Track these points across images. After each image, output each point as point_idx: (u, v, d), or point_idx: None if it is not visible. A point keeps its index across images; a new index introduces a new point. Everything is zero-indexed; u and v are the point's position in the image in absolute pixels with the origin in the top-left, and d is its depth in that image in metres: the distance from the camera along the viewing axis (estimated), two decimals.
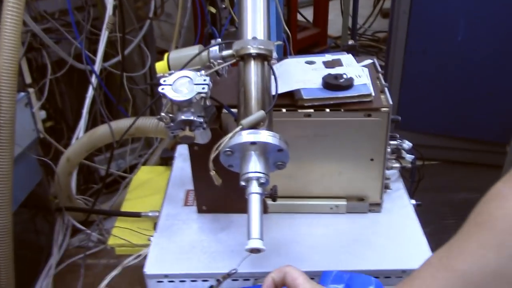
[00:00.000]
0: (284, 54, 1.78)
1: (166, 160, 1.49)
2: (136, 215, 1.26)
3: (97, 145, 1.22)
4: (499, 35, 2.37)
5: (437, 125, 2.70)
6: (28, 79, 1.95)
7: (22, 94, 1.48)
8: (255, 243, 0.77)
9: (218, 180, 0.88)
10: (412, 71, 2.61)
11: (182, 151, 1.39)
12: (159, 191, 1.28)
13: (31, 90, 1.93)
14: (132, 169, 2.18)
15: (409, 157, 1.22)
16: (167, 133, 0.94)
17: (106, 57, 2.15)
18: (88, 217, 1.46)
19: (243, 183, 0.83)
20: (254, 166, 0.82)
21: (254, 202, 0.80)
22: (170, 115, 0.91)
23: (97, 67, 1.54)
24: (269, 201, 1.15)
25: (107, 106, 2.34)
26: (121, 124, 1.12)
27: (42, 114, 2.10)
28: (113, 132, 1.12)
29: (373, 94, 1.06)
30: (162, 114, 0.90)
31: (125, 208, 1.32)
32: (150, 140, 2.44)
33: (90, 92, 1.40)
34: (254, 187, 0.81)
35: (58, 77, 2.12)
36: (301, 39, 3.33)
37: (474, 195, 2.62)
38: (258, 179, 0.81)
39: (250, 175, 0.82)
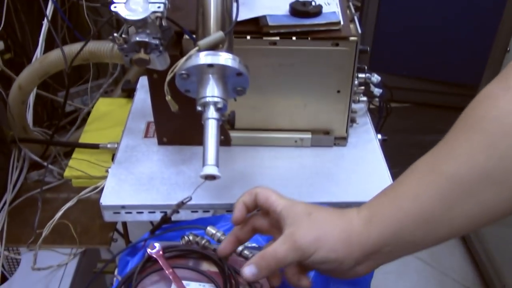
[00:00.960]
0: None
1: (128, 92, 1.43)
2: (94, 146, 1.21)
3: (49, 71, 1.15)
4: None
5: (409, 66, 2.68)
6: None
7: None
8: (209, 169, 0.74)
9: (174, 106, 0.84)
10: (387, 10, 2.55)
11: (144, 82, 1.33)
12: (119, 124, 1.23)
13: None
14: None
15: (377, 90, 1.19)
16: (122, 57, 0.88)
17: None
18: (46, 150, 1.41)
19: (199, 108, 0.78)
20: (211, 90, 0.77)
21: (211, 128, 0.76)
22: (124, 36, 0.85)
23: None
24: (231, 133, 1.12)
25: (71, 39, 2.24)
26: (74, 48, 1.05)
27: (0, 45, 1.99)
28: (65, 56, 1.05)
29: (342, 22, 1.01)
30: (115, 34, 0.84)
31: (83, 140, 1.26)
32: (117, 76, 2.36)
33: (45, 18, 1.32)
34: (211, 112, 0.77)
35: (18, 8, 2.00)
36: None
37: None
38: (215, 103, 0.77)
39: (207, 99, 0.77)
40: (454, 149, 0.62)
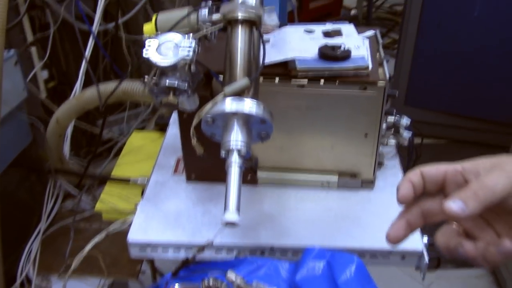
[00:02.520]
0: (290, 21, 1.72)
1: (161, 127, 1.47)
2: (125, 180, 1.24)
3: (85, 108, 1.20)
4: None
5: (446, 102, 2.64)
6: (30, 37, 1.92)
7: (12, 51, 1.44)
8: (230, 217, 0.74)
9: (200, 150, 0.85)
10: (424, 45, 2.53)
11: (176, 118, 1.36)
12: (151, 158, 1.26)
13: (32, 48, 1.91)
14: None
15: (406, 134, 1.18)
16: (152, 98, 0.91)
17: (111, 18, 2.11)
18: (81, 181, 1.45)
19: (223, 154, 0.80)
20: (235, 136, 0.79)
21: (233, 173, 0.77)
22: (155, 79, 0.88)
23: (94, 27, 1.50)
24: (258, 172, 1.13)
25: (114, 71, 2.31)
26: (110, 87, 1.09)
27: (44, 74, 2.08)
28: (100, 94, 1.09)
29: (370, 66, 1.02)
30: (146, 77, 0.87)
31: (116, 173, 1.30)
32: (154, 107, 2.41)
33: (87, 53, 1.37)
34: (234, 158, 0.78)
35: (63, 37, 2.08)
36: (314, 8, 3.24)
37: None
38: (238, 150, 0.78)
39: (231, 145, 0.78)
40: None
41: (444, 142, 2.60)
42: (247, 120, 0.80)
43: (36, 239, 1.35)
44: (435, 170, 0.61)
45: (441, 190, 0.61)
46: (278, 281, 0.91)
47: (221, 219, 0.75)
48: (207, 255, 1.02)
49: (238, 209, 0.76)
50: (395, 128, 1.18)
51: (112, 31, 2.01)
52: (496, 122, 2.59)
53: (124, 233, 1.12)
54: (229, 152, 0.79)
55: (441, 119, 2.61)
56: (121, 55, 2.26)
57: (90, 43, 1.39)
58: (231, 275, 0.79)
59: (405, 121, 1.17)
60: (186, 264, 0.87)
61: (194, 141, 0.83)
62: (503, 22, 2.31)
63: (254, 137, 0.83)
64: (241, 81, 0.80)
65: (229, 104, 0.78)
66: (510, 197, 0.55)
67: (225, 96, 0.79)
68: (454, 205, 0.55)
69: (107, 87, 1.12)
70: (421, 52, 2.56)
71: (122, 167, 1.32)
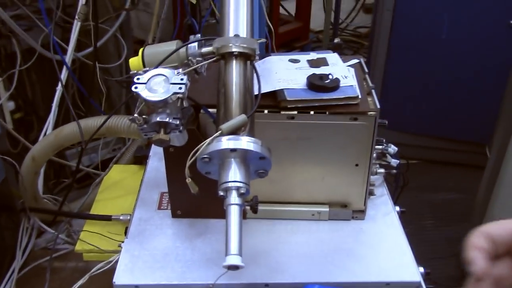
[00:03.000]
0: (266, 50, 1.71)
1: (141, 159, 1.42)
2: (107, 218, 1.18)
3: (64, 145, 1.15)
4: (482, 35, 2.34)
5: (417, 123, 2.68)
6: None
7: None
8: (233, 260, 0.71)
9: (194, 189, 0.82)
10: (394, 68, 2.57)
11: (157, 150, 1.32)
12: (132, 192, 1.21)
13: None
14: (106, 163, 2.09)
15: (394, 161, 1.18)
16: (140, 135, 0.87)
17: (80, 47, 2.05)
18: (55, 218, 1.39)
19: (221, 193, 0.77)
20: (234, 175, 0.76)
21: (233, 215, 0.74)
22: (144, 116, 0.84)
23: (68, 57, 1.45)
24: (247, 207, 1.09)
25: (81, 99, 2.25)
26: (90, 123, 1.05)
27: (11, 105, 2.00)
28: (81, 131, 1.04)
29: (359, 96, 1.01)
30: (135, 115, 0.83)
31: (95, 210, 1.24)
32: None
33: (59, 84, 1.32)
34: (233, 198, 0.75)
35: (29, 67, 2.01)
36: (283, 32, 3.25)
37: (453, 195, 2.60)
38: (237, 189, 0.76)
39: (229, 184, 0.76)
40: None
41: (417, 162, 2.62)
42: (245, 158, 0.77)
43: (10, 280, 1.28)
44: (502, 230, 0.54)
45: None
46: None
47: (224, 263, 0.72)
48: None
49: (241, 251, 0.72)
50: (382, 157, 1.17)
51: (82, 60, 1.96)
52: (464, 141, 2.64)
53: (106, 275, 1.07)
54: (227, 191, 0.76)
55: (412, 141, 2.64)
56: (90, 84, 2.20)
57: (64, 73, 1.34)
58: None
59: (392, 149, 1.17)
60: None
61: (189, 180, 0.79)
62: (470, 44, 2.37)
63: (251, 175, 0.80)
64: (238, 118, 0.78)
65: (227, 142, 0.75)
66: None
67: (222, 134, 0.76)
68: None
69: (88, 122, 1.07)
70: (390, 74, 2.59)
71: (101, 204, 1.26)
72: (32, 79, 2.17)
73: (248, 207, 0.80)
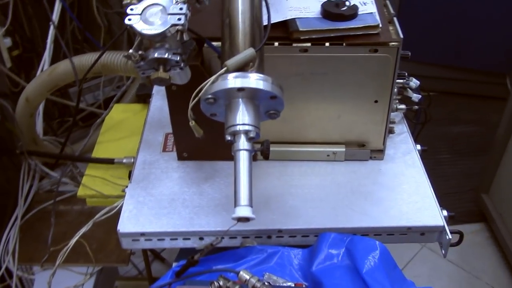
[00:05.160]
0: None
1: (144, 97, 1.34)
2: (109, 161, 1.12)
3: (59, 84, 1.06)
4: None
5: (433, 54, 2.55)
6: None
7: None
8: (243, 211, 0.65)
9: (199, 132, 0.75)
10: None
11: (160, 87, 1.23)
12: (135, 133, 1.14)
13: None
14: (110, 101, 2.02)
15: (415, 96, 1.09)
16: (138, 73, 0.78)
17: None
18: (57, 161, 1.33)
19: (228, 138, 0.69)
20: (242, 117, 0.68)
21: (242, 161, 0.67)
22: (141, 52, 0.75)
23: None
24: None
25: (82, 35, 2.14)
26: (85, 59, 0.96)
27: (7, 41, 1.90)
28: (75, 69, 0.96)
29: (380, 25, 0.91)
30: (131, 51, 0.74)
31: (97, 152, 1.18)
32: None
33: (54, 16, 1.22)
34: (242, 143, 0.68)
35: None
36: None
37: (472, 128, 2.50)
38: (246, 132, 0.68)
39: (237, 128, 0.68)
40: None
41: (434, 94, 2.52)
42: (254, 97, 0.69)
43: (14, 226, 1.24)
44: None
45: None
46: (292, 271, 0.83)
47: (233, 215, 0.65)
48: (208, 241, 0.92)
49: (251, 201, 0.66)
50: (403, 91, 1.08)
51: None
52: (483, 72, 2.52)
53: (111, 217, 1.02)
54: (235, 135, 0.68)
55: (428, 71, 2.52)
56: (89, 17, 2.08)
57: (57, 6, 1.23)
58: (245, 274, 0.70)
59: (414, 83, 1.08)
60: (191, 265, 0.78)
61: (192, 123, 0.72)
62: None
63: (261, 116, 0.72)
64: (245, 53, 0.69)
65: (234, 80, 0.67)
66: None
67: (228, 71, 0.67)
68: None
69: (83, 59, 0.98)
70: (406, 4, 2.44)
71: (103, 146, 1.19)
72: (28, 13, 2.06)
73: (258, 153, 0.71)
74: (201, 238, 0.92)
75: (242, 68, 0.69)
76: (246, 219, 0.65)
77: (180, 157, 1.05)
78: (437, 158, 2.29)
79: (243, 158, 0.67)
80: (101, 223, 1.29)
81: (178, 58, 0.75)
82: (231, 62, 0.68)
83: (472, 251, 1.92)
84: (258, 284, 0.68)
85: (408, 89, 1.08)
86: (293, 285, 0.77)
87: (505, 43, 2.39)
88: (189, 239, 0.92)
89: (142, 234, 0.92)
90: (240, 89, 0.67)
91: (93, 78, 2.24)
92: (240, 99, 0.68)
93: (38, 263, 1.22)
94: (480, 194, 2.01)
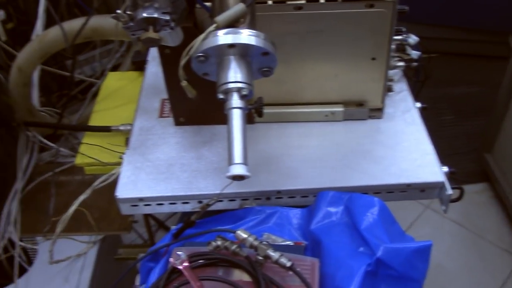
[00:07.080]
0: None
1: (140, 65, 1.32)
2: (106, 129, 1.11)
3: (50, 51, 1.05)
4: None
5: (433, 13, 2.50)
6: None
7: None
8: (237, 169, 0.64)
9: (192, 92, 0.73)
10: None
11: (156, 53, 1.22)
12: (132, 101, 1.13)
13: None
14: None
15: (414, 53, 1.07)
16: (128, 35, 0.77)
17: None
18: (56, 132, 1.32)
19: (221, 96, 0.68)
20: (234, 74, 0.66)
21: (235, 119, 0.66)
22: (129, 12, 0.73)
23: None
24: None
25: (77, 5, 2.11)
26: (76, 24, 0.94)
27: (1, 14, 1.88)
28: (65, 35, 0.94)
29: None
30: (118, 11, 0.73)
31: (94, 121, 1.17)
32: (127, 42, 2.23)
33: None
34: (235, 101, 0.66)
35: None
36: None
37: (474, 88, 2.47)
38: (239, 90, 0.67)
39: (229, 85, 0.67)
40: None
41: (435, 55, 2.48)
42: (246, 54, 0.68)
43: (15, 198, 1.24)
44: None
45: None
46: (291, 230, 0.82)
47: (227, 173, 0.64)
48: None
49: (246, 159, 0.65)
50: (401, 48, 1.06)
51: None
52: (485, 31, 2.48)
53: (110, 184, 1.02)
54: (228, 93, 0.67)
55: (429, 32, 2.47)
56: None
57: None
58: (242, 233, 0.70)
59: (412, 39, 1.06)
60: (188, 225, 0.77)
61: (184, 83, 0.70)
62: None
63: (254, 73, 0.71)
64: (235, 8, 0.67)
65: (224, 37, 0.65)
66: None
67: (218, 27, 0.66)
68: None
69: (73, 25, 0.96)
70: None
71: (100, 114, 1.19)
72: None
73: (252, 110, 0.70)
74: (200, 202, 0.92)
75: (233, 24, 0.67)
76: (241, 177, 0.64)
77: (177, 122, 1.05)
78: (440, 120, 2.27)
79: (236, 116, 0.66)
80: (103, 192, 1.29)
81: (168, 18, 0.73)
82: (221, 18, 0.66)
83: (476, 211, 1.92)
84: (256, 243, 0.68)
85: (407, 46, 1.06)
86: (292, 244, 0.77)
87: (507, 1, 2.34)
88: (188, 202, 0.92)
89: (141, 199, 0.92)
90: (231, 46, 0.66)
91: (90, 49, 2.22)
92: (231, 56, 0.67)
93: (40, 234, 1.22)
94: (483, 154, 2.00)
